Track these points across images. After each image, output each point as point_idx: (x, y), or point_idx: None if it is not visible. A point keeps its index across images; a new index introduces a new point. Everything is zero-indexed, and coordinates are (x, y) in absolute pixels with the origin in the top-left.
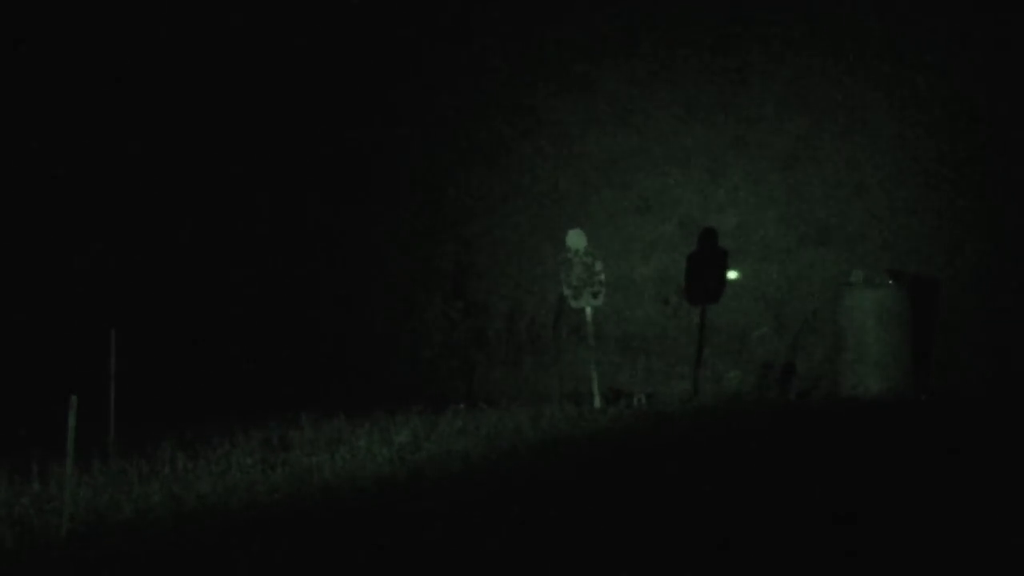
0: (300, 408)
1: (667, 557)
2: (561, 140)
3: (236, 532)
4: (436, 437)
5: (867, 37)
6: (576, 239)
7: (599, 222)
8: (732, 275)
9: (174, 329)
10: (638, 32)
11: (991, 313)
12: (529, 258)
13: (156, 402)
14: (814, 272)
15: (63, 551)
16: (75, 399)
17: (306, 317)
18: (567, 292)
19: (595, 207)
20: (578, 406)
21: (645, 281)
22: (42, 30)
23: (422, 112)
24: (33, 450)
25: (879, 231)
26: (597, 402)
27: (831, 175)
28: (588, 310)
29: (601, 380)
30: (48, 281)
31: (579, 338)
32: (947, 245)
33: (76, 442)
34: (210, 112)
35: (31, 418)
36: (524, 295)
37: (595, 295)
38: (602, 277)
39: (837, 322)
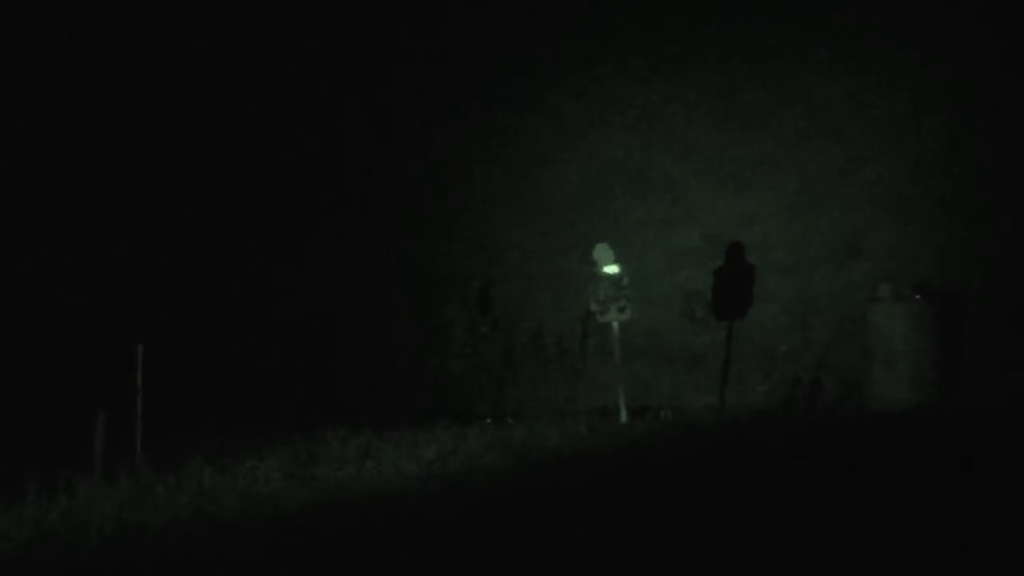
0: (328, 423)
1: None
2: (588, 154)
3: (263, 547)
4: (463, 452)
5: (893, 52)
6: (603, 253)
7: (626, 236)
8: (613, 270)
9: (201, 343)
10: (667, 46)
11: (1020, 325)
12: (556, 272)
13: (183, 416)
14: (841, 286)
15: (91, 565)
16: (102, 414)
17: (334, 331)
18: (594, 307)
19: (622, 221)
20: (605, 421)
21: (672, 295)
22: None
23: (448, 128)
24: (61, 465)
25: (907, 245)
26: (624, 416)
27: (858, 189)
28: (615, 324)
29: (628, 394)
30: (75, 296)
31: (606, 352)
32: (975, 258)
33: (103, 456)
34: (232, 125)
35: (59, 433)
36: (551, 310)
37: (622, 309)
38: (628, 291)
39: (865, 336)
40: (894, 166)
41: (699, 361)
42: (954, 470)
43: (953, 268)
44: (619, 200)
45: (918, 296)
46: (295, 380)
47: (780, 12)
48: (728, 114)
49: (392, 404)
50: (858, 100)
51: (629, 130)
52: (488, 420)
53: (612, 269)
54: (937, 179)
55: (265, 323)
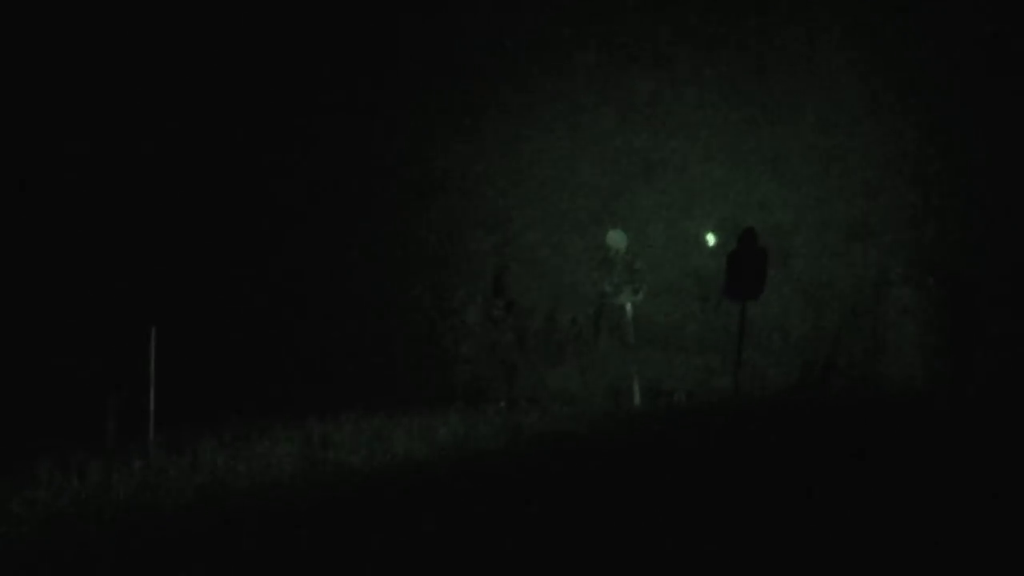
0: (341, 406)
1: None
2: (602, 139)
3: (275, 530)
4: (477, 435)
5: (905, 41)
6: (616, 238)
7: (640, 221)
8: (711, 239)
9: (214, 327)
10: (679, 35)
11: None
12: (570, 256)
13: (196, 400)
14: (854, 270)
15: (104, 547)
16: (115, 397)
17: (348, 316)
18: (607, 290)
19: (636, 205)
20: (618, 404)
21: (685, 279)
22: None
23: (461, 111)
24: (73, 447)
25: (919, 230)
26: (637, 399)
27: (871, 175)
28: (628, 308)
29: (641, 377)
30: (89, 280)
31: (619, 336)
32: (988, 243)
33: (116, 439)
34: (241, 107)
35: (72, 415)
36: (565, 293)
37: (635, 293)
38: (642, 275)
39: (877, 319)
40: (907, 152)
41: (712, 344)
42: (958, 453)
43: (966, 253)
44: (633, 185)
45: (931, 280)
46: (308, 364)
47: (793, 2)
48: (741, 101)
49: (406, 388)
50: (870, 88)
51: (643, 116)
52: (501, 403)
53: (620, 244)
54: (950, 166)
55: (279, 307)
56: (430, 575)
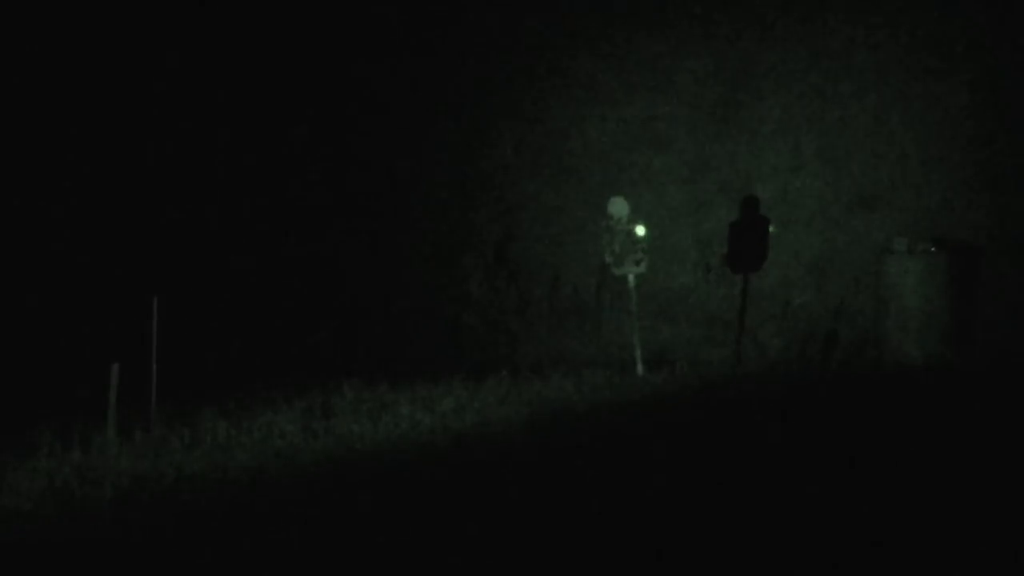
0: (343, 376)
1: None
2: (603, 106)
3: (277, 500)
4: (479, 405)
5: (911, 6)
6: (618, 206)
7: (641, 189)
8: (641, 231)
9: (217, 296)
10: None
11: None
12: (572, 225)
13: (198, 370)
14: (857, 240)
15: (105, 519)
16: (116, 367)
17: (349, 284)
18: (609, 259)
19: (637, 174)
20: (621, 374)
21: (688, 248)
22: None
23: (462, 77)
24: (75, 418)
25: (923, 199)
26: (640, 369)
27: (875, 143)
28: (630, 277)
29: (643, 347)
30: (91, 248)
31: (621, 305)
32: (991, 213)
33: (118, 410)
34: (255, 74)
35: (73, 386)
36: (567, 262)
37: (637, 262)
38: (644, 244)
39: (880, 290)
40: (911, 120)
41: (715, 314)
42: (963, 426)
43: (969, 222)
44: (635, 152)
45: (933, 249)
46: (311, 333)
47: None
48: (744, 70)
49: (408, 357)
50: (875, 54)
51: (644, 82)
52: (504, 372)
53: (640, 231)
54: (955, 133)
55: (280, 276)
56: (432, 547)
